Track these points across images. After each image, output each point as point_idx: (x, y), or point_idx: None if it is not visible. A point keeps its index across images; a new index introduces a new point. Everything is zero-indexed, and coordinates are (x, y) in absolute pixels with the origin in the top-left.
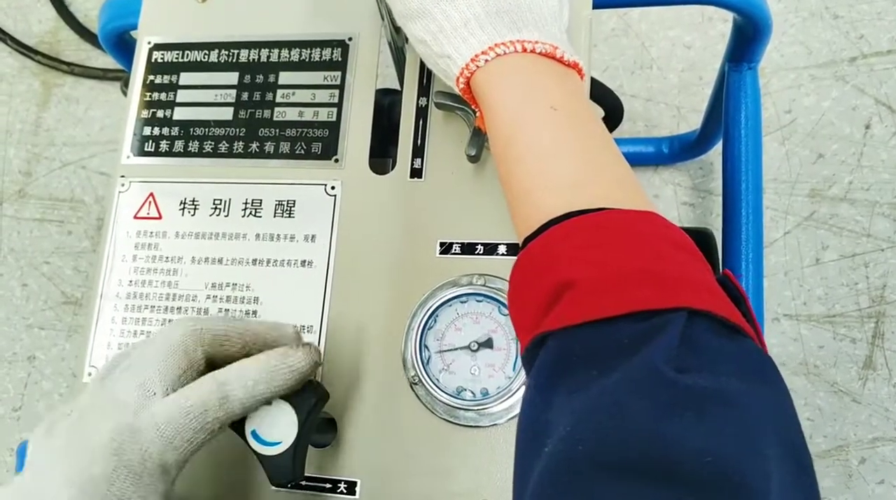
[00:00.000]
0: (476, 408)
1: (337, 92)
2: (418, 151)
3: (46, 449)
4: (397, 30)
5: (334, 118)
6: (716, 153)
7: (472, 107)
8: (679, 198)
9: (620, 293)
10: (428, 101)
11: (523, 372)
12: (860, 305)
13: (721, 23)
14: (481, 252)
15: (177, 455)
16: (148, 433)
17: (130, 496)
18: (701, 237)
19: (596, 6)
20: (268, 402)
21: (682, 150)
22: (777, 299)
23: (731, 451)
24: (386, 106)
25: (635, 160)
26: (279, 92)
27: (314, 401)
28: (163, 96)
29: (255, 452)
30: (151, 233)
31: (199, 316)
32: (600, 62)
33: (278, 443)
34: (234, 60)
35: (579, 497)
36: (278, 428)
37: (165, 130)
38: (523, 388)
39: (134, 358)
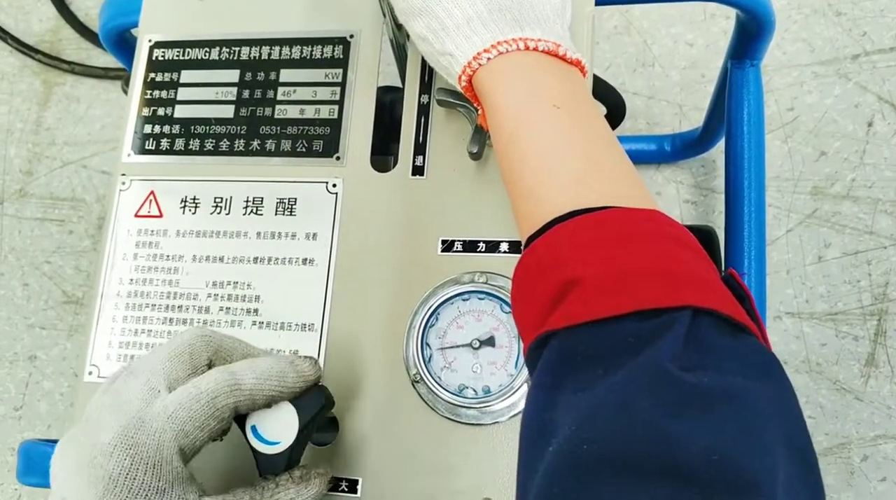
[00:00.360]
0: (478, 406)
1: (338, 89)
2: (420, 149)
3: (64, 463)
4: (399, 27)
5: (336, 116)
6: (718, 151)
7: (475, 104)
8: (681, 196)
9: (625, 292)
10: (430, 98)
11: (525, 370)
12: (863, 302)
13: (723, 20)
14: (483, 250)
15: (189, 442)
16: (158, 421)
17: (156, 487)
18: (704, 235)
19: (598, 3)
20: (268, 405)
21: (685, 147)
22: (779, 296)
23: (738, 449)
24: (387, 103)
25: (637, 158)
26: (280, 89)
27: (319, 407)
28: (163, 94)
29: (251, 447)
30: (152, 231)
31: (208, 327)
32: (602, 60)
33: (276, 443)
34: (235, 58)
35: (585, 497)
36: (278, 428)
37: (166, 128)
38: (525, 386)
39: (138, 363)
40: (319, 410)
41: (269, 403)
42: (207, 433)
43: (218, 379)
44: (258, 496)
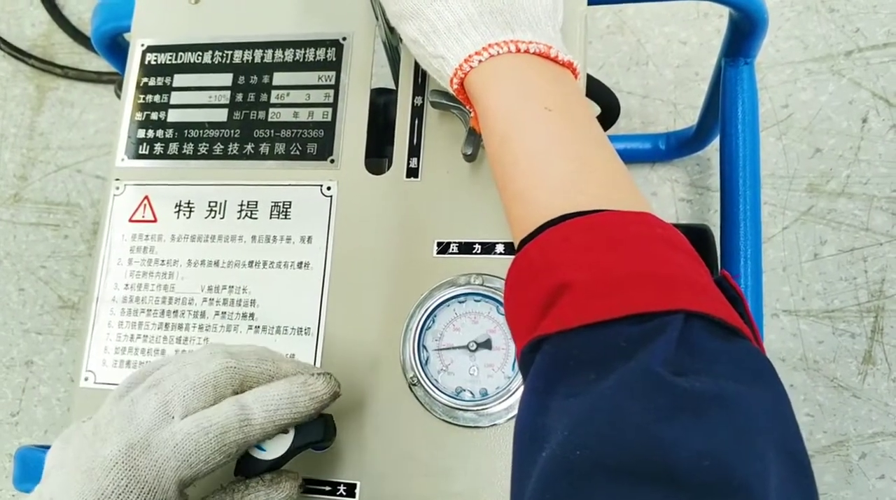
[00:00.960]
0: (475, 408)
1: (332, 92)
2: (414, 151)
3: (60, 461)
4: (391, 29)
5: (329, 118)
6: (713, 149)
7: (467, 107)
8: (676, 194)
9: (617, 296)
10: (423, 100)
11: None
12: (859, 299)
13: (716, 18)
14: (479, 251)
15: (191, 473)
16: (163, 450)
17: None
18: (699, 234)
19: (591, 3)
20: (285, 430)
21: (679, 146)
22: (776, 294)
23: (730, 453)
24: (381, 106)
25: (632, 157)
26: (273, 93)
27: (316, 438)
28: (157, 98)
29: None
30: (147, 236)
31: (235, 351)
32: (596, 59)
33: (264, 450)
34: (228, 61)
35: None
36: (272, 439)
37: (160, 133)
38: (522, 389)
39: (160, 378)
40: (316, 441)
41: (281, 430)
42: (212, 465)
43: (228, 414)
44: (228, 499)
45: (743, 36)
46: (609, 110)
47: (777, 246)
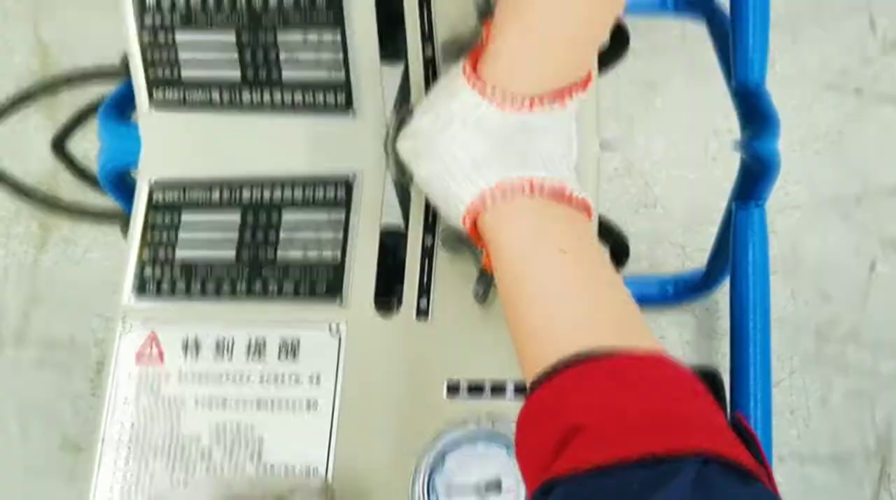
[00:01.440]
0: None
1: (341, 231)
2: (424, 291)
3: None
4: (402, 170)
5: (338, 258)
6: (721, 292)
7: (478, 246)
8: (683, 338)
9: (631, 438)
10: (433, 239)
11: None
12: (866, 444)
13: (724, 161)
14: (489, 393)
15: None
16: None
17: None
18: (708, 378)
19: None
20: None
21: (688, 290)
22: (783, 437)
23: None
24: (391, 245)
25: (639, 300)
26: (282, 232)
27: None
28: (164, 236)
29: None
30: (153, 375)
31: (228, 490)
32: (604, 201)
33: None
34: (237, 199)
35: None
36: None
37: (167, 271)
38: None
39: None
40: None
41: None
42: None
43: None
44: None
45: (754, 179)
46: (618, 252)
47: (784, 391)
